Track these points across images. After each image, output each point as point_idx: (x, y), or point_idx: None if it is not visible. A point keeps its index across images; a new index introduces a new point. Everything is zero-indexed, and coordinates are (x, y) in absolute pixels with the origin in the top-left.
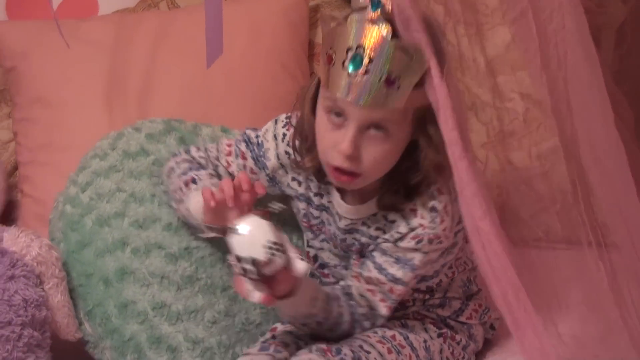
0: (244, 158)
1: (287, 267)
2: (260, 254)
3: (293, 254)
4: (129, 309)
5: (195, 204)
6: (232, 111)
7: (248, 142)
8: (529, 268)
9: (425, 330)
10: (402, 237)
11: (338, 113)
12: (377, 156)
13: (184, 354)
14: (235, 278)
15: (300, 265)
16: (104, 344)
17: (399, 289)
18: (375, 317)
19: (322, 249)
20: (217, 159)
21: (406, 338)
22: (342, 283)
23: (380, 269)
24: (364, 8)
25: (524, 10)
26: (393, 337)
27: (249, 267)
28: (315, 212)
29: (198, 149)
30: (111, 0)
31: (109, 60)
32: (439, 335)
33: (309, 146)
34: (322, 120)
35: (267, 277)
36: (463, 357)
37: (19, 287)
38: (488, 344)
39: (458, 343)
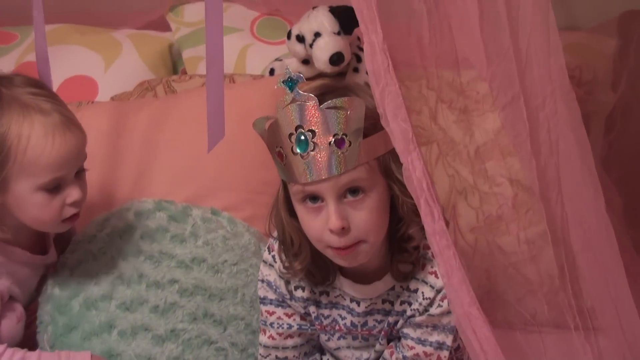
0: (280, 318)
1: None
2: None
3: None
4: None
5: None
6: (223, 194)
7: (265, 302)
8: (517, 351)
9: None
10: (432, 302)
11: (312, 198)
12: (366, 217)
13: None
14: None
15: None
16: None
17: (445, 354)
18: None
19: (338, 348)
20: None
21: None
22: None
23: (421, 342)
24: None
25: (515, 96)
26: None
27: None
28: (326, 312)
29: None
30: (110, 83)
31: (105, 145)
32: None
33: (295, 251)
34: (303, 214)
35: None
36: None
37: None
38: None
39: None
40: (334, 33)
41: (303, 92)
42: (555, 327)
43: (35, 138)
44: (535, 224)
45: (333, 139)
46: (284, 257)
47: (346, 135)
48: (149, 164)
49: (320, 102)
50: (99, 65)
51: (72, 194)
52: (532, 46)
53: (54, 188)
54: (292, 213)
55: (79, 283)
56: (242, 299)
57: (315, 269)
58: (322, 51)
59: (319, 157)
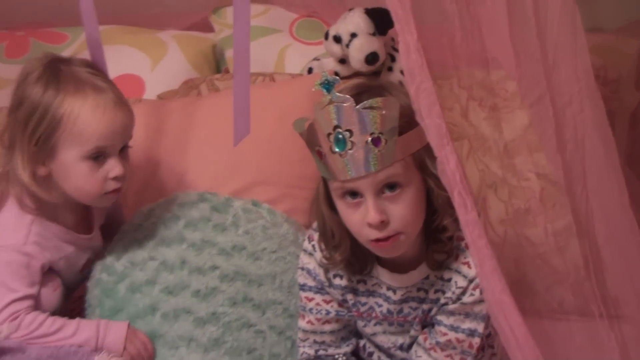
0: (319, 304)
1: None
2: None
3: None
4: None
5: None
6: (263, 188)
7: (304, 289)
8: (545, 338)
9: None
10: (464, 291)
11: (352, 194)
12: (404, 211)
13: None
14: None
15: None
16: None
17: (476, 341)
18: None
19: (374, 333)
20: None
21: None
22: None
23: (454, 328)
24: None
25: (542, 94)
26: None
27: None
28: (363, 299)
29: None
30: (156, 81)
31: (151, 142)
32: None
33: (335, 243)
34: (343, 209)
35: None
36: None
37: None
38: None
39: None
40: (369, 34)
41: (339, 92)
42: (581, 315)
43: (86, 110)
44: (561, 217)
45: (370, 138)
46: (324, 249)
47: (382, 134)
48: (194, 160)
49: (356, 102)
50: (145, 65)
51: (115, 168)
52: (559, 47)
53: (97, 159)
54: (333, 208)
55: (125, 268)
56: (280, 285)
57: (354, 260)
58: (358, 51)
59: (357, 155)
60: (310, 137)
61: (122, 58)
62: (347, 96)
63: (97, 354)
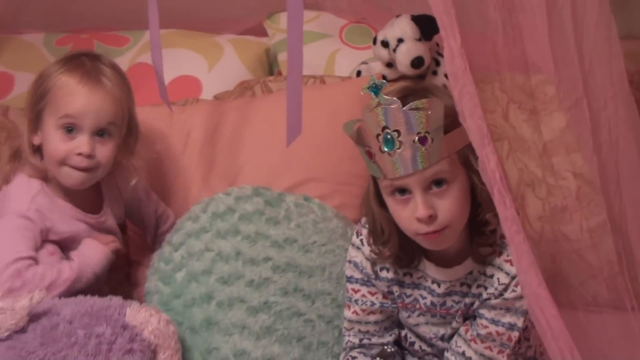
0: (364, 295)
1: None
2: None
3: None
4: (212, 355)
5: None
6: (313, 184)
7: (351, 281)
8: (580, 330)
9: None
10: (506, 287)
11: (401, 190)
12: (450, 205)
13: None
14: None
15: None
16: None
17: (515, 335)
18: None
19: (417, 324)
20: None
21: None
22: (455, 350)
23: (494, 322)
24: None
25: (579, 99)
26: None
27: None
28: (408, 291)
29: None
30: (213, 82)
31: (209, 140)
32: None
33: (385, 239)
34: (393, 205)
35: None
36: None
37: (137, 354)
38: None
39: None
40: (415, 39)
41: (386, 95)
42: (614, 308)
43: (69, 85)
44: (596, 214)
45: (417, 137)
46: (373, 244)
47: (428, 133)
48: (248, 157)
49: (403, 104)
50: (202, 67)
51: (82, 145)
52: (595, 53)
53: (70, 132)
54: (382, 205)
55: (182, 258)
56: (329, 276)
57: (402, 254)
58: (405, 55)
59: (405, 154)
60: (359, 138)
61: (181, 60)
62: (394, 98)
63: (128, 306)
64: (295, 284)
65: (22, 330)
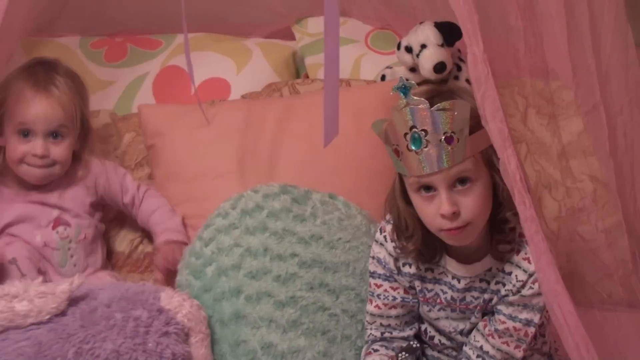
0: (386, 290)
1: None
2: None
3: None
4: (240, 347)
5: None
6: (338, 182)
7: (374, 276)
8: (595, 326)
9: None
10: (524, 284)
11: (426, 188)
12: (474, 203)
13: None
14: None
15: None
16: None
17: (531, 330)
18: None
19: (438, 318)
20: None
21: None
22: (473, 345)
23: (512, 318)
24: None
25: (596, 104)
26: None
27: None
28: (429, 286)
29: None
30: (241, 84)
31: (236, 139)
32: None
33: (409, 234)
34: (418, 202)
35: None
36: None
37: (170, 342)
38: None
39: None
40: (438, 45)
41: (414, 96)
42: (628, 306)
43: (21, 94)
44: (611, 215)
45: (443, 137)
46: (397, 239)
47: (454, 133)
48: (275, 155)
49: (430, 105)
50: (231, 69)
51: (36, 148)
52: (612, 61)
53: (24, 136)
54: (408, 201)
55: (212, 253)
56: (353, 272)
57: (425, 249)
58: (428, 60)
59: (431, 153)
60: (387, 137)
61: (211, 63)
62: (422, 99)
63: (161, 291)
64: (320, 279)
65: (62, 313)
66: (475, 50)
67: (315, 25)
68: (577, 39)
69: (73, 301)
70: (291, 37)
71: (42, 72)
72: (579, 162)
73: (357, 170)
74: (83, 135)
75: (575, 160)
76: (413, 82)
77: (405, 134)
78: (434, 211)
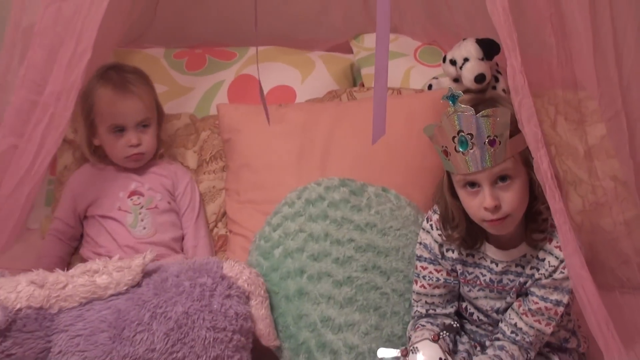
0: (431, 272)
1: None
2: None
3: None
4: (303, 320)
5: None
6: (390, 177)
7: (421, 260)
8: (615, 306)
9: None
10: (555, 269)
11: (471, 184)
12: (512, 198)
13: (342, 356)
14: None
15: None
16: (282, 346)
17: (560, 310)
18: (541, 339)
19: (477, 298)
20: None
21: None
22: (509, 322)
23: (544, 299)
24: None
25: (618, 111)
26: None
27: None
28: (470, 269)
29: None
30: (305, 92)
31: (302, 137)
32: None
33: (454, 224)
34: (464, 196)
35: None
36: None
37: (233, 303)
38: None
39: None
40: (479, 59)
41: (461, 104)
42: None
43: (108, 100)
44: (630, 210)
45: (487, 140)
46: (443, 228)
47: (496, 137)
48: (335, 151)
49: (475, 112)
50: (297, 78)
51: (131, 138)
52: (633, 73)
53: (119, 131)
54: (454, 195)
55: (280, 237)
56: (402, 256)
57: (468, 237)
58: (470, 72)
59: (476, 154)
60: (436, 139)
61: (279, 73)
62: (468, 107)
63: (224, 262)
64: (373, 262)
65: (138, 284)
66: (514, 63)
67: (370, 40)
68: (601, 54)
69: (147, 274)
70: (349, 50)
71: (115, 75)
72: (602, 162)
73: (406, 167)
74: (159, 119)
75: (599, 161)
76: (460, 92)
77: (454, 137)
78: (478, 204)
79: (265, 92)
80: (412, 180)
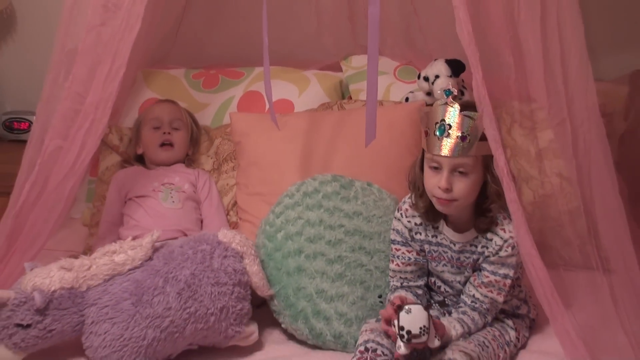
0: (403, 253)
1: (427, 341)
2: (416, 330)
3: (432, 334)
4: (301, 292)
5: None
6: (375, 175)
7: (395, 243)
8: (559, 280)
9: (506, 323)
10: (501, 248)
11: (435, 167)
12: (462, 188)
13: (334, 322)
14: (393, 335)
15: (436, 343)
16: (283, 313)
17: (508, 282)
18: (495, 306)
19: (442, 271)
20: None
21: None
22: (467, 293)
23: (493, 273)
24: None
25: (564, 118)
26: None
27: (404, 333)
28: (435, 248)
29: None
30: (302, 104)
31: (300, 140)
32: (514, 323)
33: (420, 193)
34: (427, 173)
35: (412, 344)
36: (524, 338)
37: (230, 262)
38: (532, 330)
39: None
40: (448, 76)
41: (453, 100)
42: (584, 268)
43: (150, 107)
44: (572, 201)
45: (461, 134)
46: (412, 197)
47: (469, 135)
48: (329, 152)
49: (460, 109)
50: (294, 93)
51: (165, 130)
52: (576, 88)
53: (155, 129)
54: (422, 170)
55: (282, 223)
56: (384, 239)
57: (430, 212)
58: (440, 87)
59: (449, 142)
60: (424, 120)
61: (279, 88)
62: (457, 104)
63: (219, 231)
64: (360, 244)
65: (150, 258)
66: (478, 77)
67: (357, 61)
68: (550, 71)
69: (156, 250)
70: (339, 69)
71: (163, 99)
72: (550, 162)
73: (388, 166)
74: (194, 141)
75: (547, 161)
76: (455, 90)
77: (436, 123)
78: (435, 182)
79: (268, 105)
80: (392, 177)
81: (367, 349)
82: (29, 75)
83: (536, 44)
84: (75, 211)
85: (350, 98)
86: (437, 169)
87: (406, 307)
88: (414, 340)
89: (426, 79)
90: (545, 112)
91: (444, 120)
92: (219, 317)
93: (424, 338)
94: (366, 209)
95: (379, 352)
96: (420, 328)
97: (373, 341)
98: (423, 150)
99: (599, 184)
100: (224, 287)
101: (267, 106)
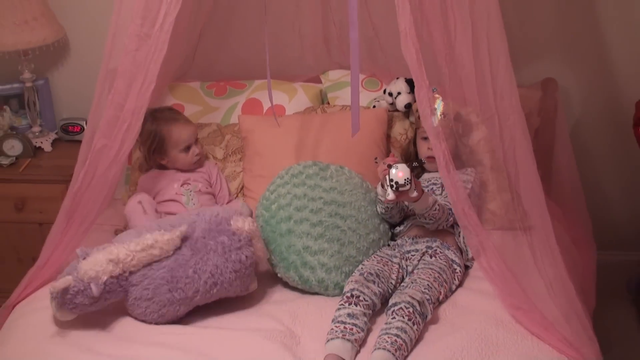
0: None
1: (409, 191)
2: (401, 182)
3: (412, 187)
4: (291, 249)
5: None
6: (348, 161)
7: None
8: (487, 236)
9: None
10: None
11: (425, 137)
12: None
13: (317, 270)
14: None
15: (415, 194)
16: (278, 265)
17: (469, 186)
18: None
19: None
20: None
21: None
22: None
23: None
24: None
25: (492, 114)
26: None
27: (393, 184)
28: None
29: None
30: (291, 108)
31: (293, 135)
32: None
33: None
34: (420, 141)
35: (399, 192)
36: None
37: (243, 250)
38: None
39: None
40: (407, 92)
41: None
42: (509, 229)
43: (176, 129)
44: (501, 181)
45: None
46: (413, 158)
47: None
48: (314, 145)
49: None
50: (285, 99)
51: (195, 150)
52: (503, 90)
53: (186, 149)
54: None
55: (275, 197)
56: (354, 207)
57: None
58: (401, 102)
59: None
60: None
61: (274, 96)
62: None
63: (231, 218)
64: (336, 211)
65: (179, 248)
66: (422, 85)
67: (333, 75)
68: (481, 78)
69: (184, 239)
70: (319, 81)
71: (166, 111)
72: (482, 154)
73: (359, 155)
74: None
75: (480, 153)
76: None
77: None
78: (426, 148)
79: (265, 109)
80: (362, 163)
81: (352, 295)
82: (80, 89)
83: (469, 55)
84: (118, 193)
85: (329, 104)
86: (426, 139)
87: (395, 165)
88: (400, 189)
89: (390, 94)
90: (477, 113)
91: (436, 108)
92: (234, 290)
93: (407, 187)
94: (340, 185)
95: (361, 298)
96: (405, 179)
97: (357, 290)
98: (415, 131)
99: (522, 165)
100: (240, 272)
101: (265, 110)
